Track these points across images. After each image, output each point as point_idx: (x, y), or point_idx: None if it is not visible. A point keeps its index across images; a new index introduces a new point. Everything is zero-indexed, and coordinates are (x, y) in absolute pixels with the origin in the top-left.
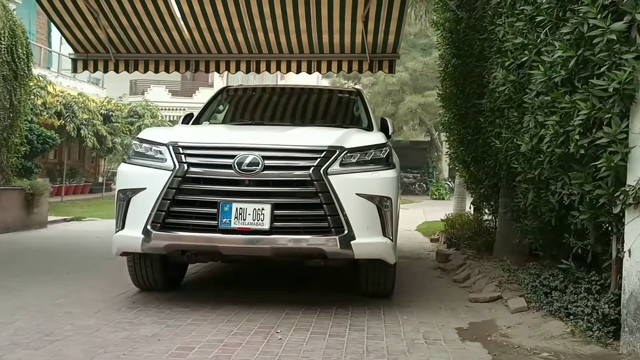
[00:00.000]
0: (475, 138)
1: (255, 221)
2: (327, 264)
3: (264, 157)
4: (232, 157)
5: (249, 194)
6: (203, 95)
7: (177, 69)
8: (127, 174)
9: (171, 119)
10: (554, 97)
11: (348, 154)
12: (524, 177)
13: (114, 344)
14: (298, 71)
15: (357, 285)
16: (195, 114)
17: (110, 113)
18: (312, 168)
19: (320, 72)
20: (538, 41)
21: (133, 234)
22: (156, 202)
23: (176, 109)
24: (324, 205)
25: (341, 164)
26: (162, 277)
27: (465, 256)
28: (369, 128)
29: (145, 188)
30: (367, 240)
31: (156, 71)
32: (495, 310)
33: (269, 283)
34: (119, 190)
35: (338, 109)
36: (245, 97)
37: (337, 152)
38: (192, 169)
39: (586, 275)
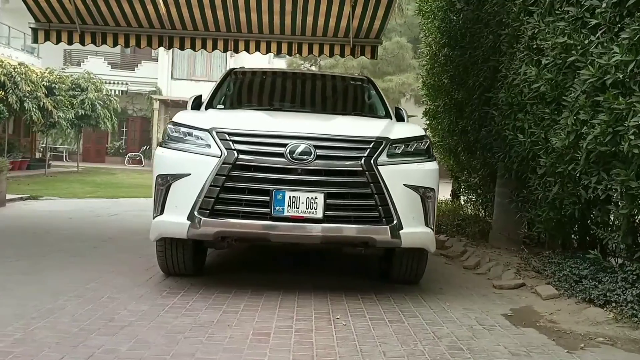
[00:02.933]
0: (477, 129)
1: (309, 210)
2: (367, 252)
3: (316, 147)
4: (284, 145)
5: (302, 183)
6: (146, 69)
7: (149, 45)
8: (167, 159)
9: (114, 93)
10: (606, 98)
11: (393, 145)
12: (551, 170)
13: (188, 330)
14: (278, 52)
15: (387, 272)
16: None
17: (53, 85)
18: (363, 158)
19: (300, 54)
20: (586, 42)
21: (177, 219)
22: (203, 188)
23: (117, 83)
24: (375, 196)
25: (388, 155)
26: (192, 263)
27: (463, 243)
28: (387, 117)
29: (189, 174)
30: (413, 230)
31: (126, 45)
32: (526, 297)
33: (279, 266)
34: (158, 175)
35: (354, 96)
36: (257, 81)
37: (384, 143)
38: (242, 157)
39: (614, 265)
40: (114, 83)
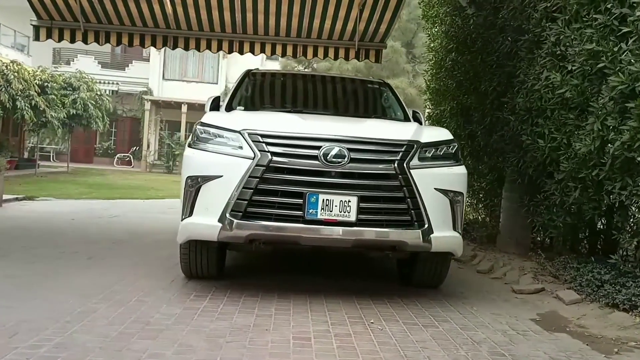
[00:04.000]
0: (488, 134)
1: (342, 213)
2: (393, 256)
3: (350, 150)
4: (318, 148)
5: (335, 186)
6: (137, 69)
7: (154, 44)
8: (197, 160)
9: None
10: (637, 105)
11: (423, 149)
12: (572, 175)
13: (227, 334)
14: (283, 54)
15: (409, 275)
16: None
17: (46, 84)
18: (396, 162)
19: (305, 56)
20: (615, 49)
21: (208, 221)
22: (235, 190)
23: (107, 82)
24: (408, 199)
25: (419, 159)
26: (216, 265)
27: (472, 247)
28: (406, 120)
29: (221, 176)
30: (442, 234)
31: (130, 45)
32: (548, 302)
33: (295, 269)
34: (187, 177)
35: (373, 99)
36: (275, 83)
37: (415, 147)
38: (275, 159)
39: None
40: (104, 83)
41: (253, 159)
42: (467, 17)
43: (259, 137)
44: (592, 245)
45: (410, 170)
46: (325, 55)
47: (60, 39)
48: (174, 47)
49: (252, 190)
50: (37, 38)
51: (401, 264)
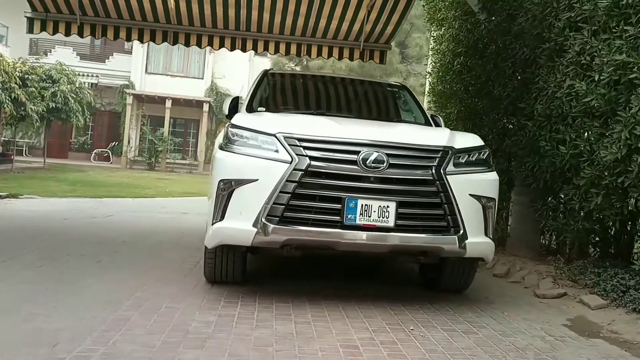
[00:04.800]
0: (500, 138)
1: (381, 218)
2: (425, 261)
3: (388, 155)
4: (357, 152)
5: (374, 191)
6: (118, 62)
7: (153, 39)
8: (232, 164)
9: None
10: None
11: (457, 155)
12: (595, 182)
13: (274, 342)
14: (287, 53)
15: (434, 280)
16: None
17: (27, 76)
18: (433, 167)
19: (310, 56)
20: None
21: (242, 226)
22: (272, 194)
23: (86, 75)
24: (445, 205)
25: (454, 164)
26: (242, 271)
27: None
28: (427, 124)
29: (256, 179)
30: (476, 240)
31: (128, 39)
32: (573, 306)
33: (315, 274)
34: (220, 180)
35: (394, 102)
36: (295, 84)
37: (450, 153)
38: (314, 163)
39: None
40: (83, 75)
41: (290, 162)
42: (477, 22)
43: (296, 141)
44: (604, 250)
45: (447, 176)
46: (330, 55)
47: (55, 31)
48: (174, 42)
49: (289, 195)
50: (30, 30)
51: (425, 268)
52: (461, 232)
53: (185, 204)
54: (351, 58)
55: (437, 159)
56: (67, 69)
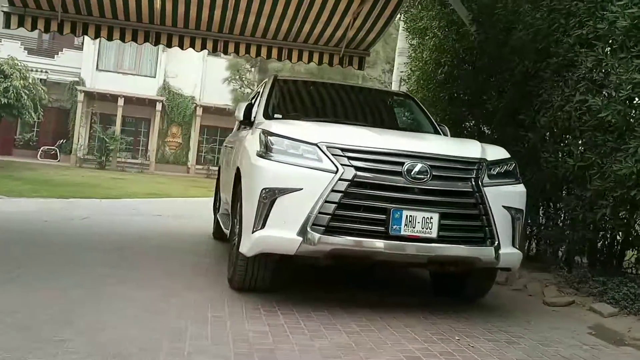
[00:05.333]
0: None
1: (424, 229)
2: (456, 271)
3: (431, 166)
4: (401, 164)
5: (418, 202)
6: (68, 58)
7: (135, 39)
8: (275, 172)
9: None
10: None
11: (490, 167)
12: (605, 193)
13: (341, 354)
14: (268, 57)
15: (456, 288)
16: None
17: None
18: (472, 179)
19: (290, 60)
20: None
21: (286, 235)
22: (317, 204)
23: (35, 70)
24: (482, 216)
25: (488, 176)
26: (270, 279)
27: None
28: (436, 133)
29: (301, 189)
30: (507, 251)
31: (109, 38)
32: (585, 315)
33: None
34: (263, 189)
35: (405, 111)
36: (306, 91)
37: (484, 165)
38: (360, 173)
39: None
40: (31, 70)
41: (336, 172)
42: (466, 33)
43: (339, 151)
44: (592, 258)
45: (484, 188)
46: (310, 59)
47: (34, 27)
48: (156, 43)
49: (335, 205)
50: (7, 25)
51: (444, 277)
52: (496, 243)
53: (155, 205)
54: (330, 63)
55: (475, 171)
56: (19, 63)
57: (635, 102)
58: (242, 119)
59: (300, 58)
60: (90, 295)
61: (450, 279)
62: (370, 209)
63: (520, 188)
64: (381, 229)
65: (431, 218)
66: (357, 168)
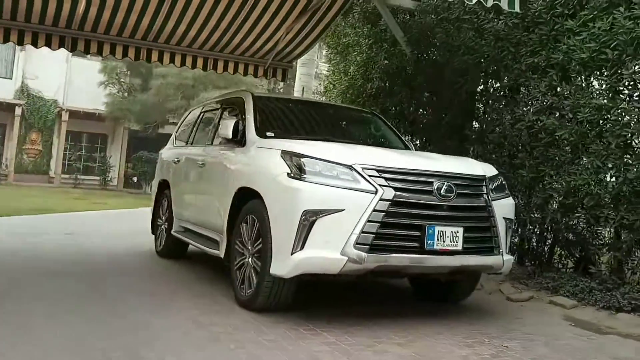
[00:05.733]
0: None
1: (452, 243)
2: (459, 279)
3: (455, 185)
4: (431, 183)
5: (447, 218)
6: None
7: (48, 45)
8: (314, 194)
9: None
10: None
11: (489, 182)
12: (561, 201)
13: None
14: (193, 67)
15: (444, 293)
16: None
17: None
18: (484, 195)
19: (216, 70)
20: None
21: (329, 255)
22: (359, 224)
23: None
24: (492, 228)
25: (491, 191)
26: (292, 297)
27: None
28: (407, 148)
29: (343, 209)
30: (507, 257)
31: (19, 43)
32: (548, 308)
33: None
34: (304, 210)
35: (375, 128)
36: (287, 109)
37: (487, 181)
38: (398, 193)
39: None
40: None
41: (375, 193)
42: (400, 53)
43: (375, 172)
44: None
45: (492, 202)
46: (235, 70)
47: None
48: (72, 49)
49: (378, 224)
50: None
51: (425, 283)
52: (501, 250)
53: (52, 222)
54: (255, 75)
55: (484, 187)
56: None
57: (588, 122)
58: (230, 137)
59: (225, 68)
60: (123, 326)
61: (437, 285)
62: (407, 226)
63: (511, 200)
64: (416, 244)
65: (457, 232)
66: (396, 188)
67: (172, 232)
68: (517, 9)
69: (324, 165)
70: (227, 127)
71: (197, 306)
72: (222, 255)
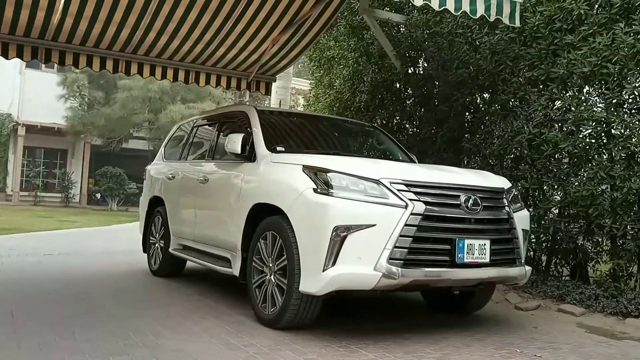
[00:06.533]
0: None
1: (480, 255)
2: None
3: (481, 198)
4: (458, 196)
5: (475, 231)
6: None
7: (20, 56)
8: (345, 209)
9: None
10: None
11: (507, 195)
12: (562, 211)
13: None
14: (174, 79)
15: (461, 304)
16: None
17: None
18: (505, 207)
19: (198, 83)
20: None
21: (363, 270)
22: (391, 239)
23: None
24: (514, 240)
25: (509, 203)
26: (318, 314)
27: None
28: (412, 161)
29: (374, 225)
30: (527, 268)
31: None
32: (558, 315)
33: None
34: (335, 226)
35: (378, 141)
36: (291, 123)
37: (506, 193)
38: (429, 207)
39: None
40: None
41: (405, 207)
42: (389, 66)
43: (403, 186)
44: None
45: (513, 214)
46: (218, 83)
47: None
48: (47, 61)
49: (411, 238)
50: None
51: (441, 295)
52: (522, 261)
53: (26, 242)
54: (238, 87)
55: (504, 199)
56: None
57: (589, 135)
58: (239, 152)
59: (208, 81)
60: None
61: (454, 297)
62: (438, 240)
63: (526, 212)
64: (447, 258)
65: (484, 245)
66: (426, 202)
67: (170, 250)
68: (517, 23)
69: (351, 180)
70: (235, 142)
71: (220, 326)
72: (236, 273)
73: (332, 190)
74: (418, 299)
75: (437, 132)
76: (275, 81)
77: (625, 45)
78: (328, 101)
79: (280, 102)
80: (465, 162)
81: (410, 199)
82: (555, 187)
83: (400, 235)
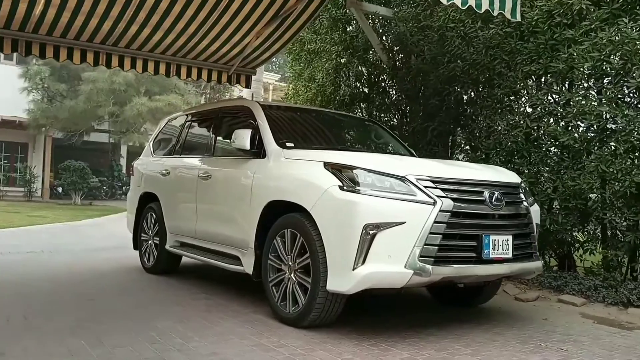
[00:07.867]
0: None
1: (504, 250)
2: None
3: (503, 194)
4: (481, 193)
5: (498, 227)
6: None
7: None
8: (373, 207)
9: None
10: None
11: (521, 189)
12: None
13: None
14: (155, 72)
15: (468, 298)
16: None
17: None
18: (524, 202)
19: (179, 77)
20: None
21: (394, 269)
22: (422, 236)
23: None
24: (532, 234)
25: (525, 198)
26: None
27: None
28: (411, 155)
29: (404, 222)
30: (541, 262)
31: None
32: (560, 306)
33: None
34: (365, 224)
35: (380, 136)
36: (297, 118)
37: (521, 188)
38: (457, 204)
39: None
40: None
41: (434, 204)
42: (376, 60)
43: (430, 183)
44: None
45: (530, 208)
46: (199, 76)
47: None
48: (27, 54)
49: (440, 235)
50: None
51: (450, 290)
52: (537, 254)
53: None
54: (219, 80)
55: (522, 194)
56: None
57: (588, 128)
58: (248, 148)
59: (189, 74)
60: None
61: (459, 291)
62: (465, 236)
63: (537, 206)
64: (474, 254)
65: (508, 240)
66: (454, 199)
67: (167, 247)
68: (518, 18)
69: (377, 177)
70: (244, 137)
71: (243, 327)
72: (249, 271)
73: (359, 188)
74: (420, 292)
75: (427, 126)
76: (255, 74)
77: (629, 40)
78: (309, 95)
79: (252, 95)
80: (457, 155)
81: (438, 196)
82: (553, 179)
83: (430, 233)
